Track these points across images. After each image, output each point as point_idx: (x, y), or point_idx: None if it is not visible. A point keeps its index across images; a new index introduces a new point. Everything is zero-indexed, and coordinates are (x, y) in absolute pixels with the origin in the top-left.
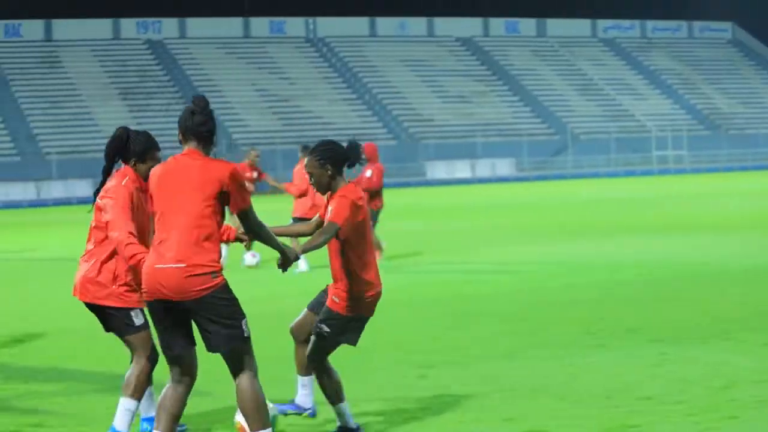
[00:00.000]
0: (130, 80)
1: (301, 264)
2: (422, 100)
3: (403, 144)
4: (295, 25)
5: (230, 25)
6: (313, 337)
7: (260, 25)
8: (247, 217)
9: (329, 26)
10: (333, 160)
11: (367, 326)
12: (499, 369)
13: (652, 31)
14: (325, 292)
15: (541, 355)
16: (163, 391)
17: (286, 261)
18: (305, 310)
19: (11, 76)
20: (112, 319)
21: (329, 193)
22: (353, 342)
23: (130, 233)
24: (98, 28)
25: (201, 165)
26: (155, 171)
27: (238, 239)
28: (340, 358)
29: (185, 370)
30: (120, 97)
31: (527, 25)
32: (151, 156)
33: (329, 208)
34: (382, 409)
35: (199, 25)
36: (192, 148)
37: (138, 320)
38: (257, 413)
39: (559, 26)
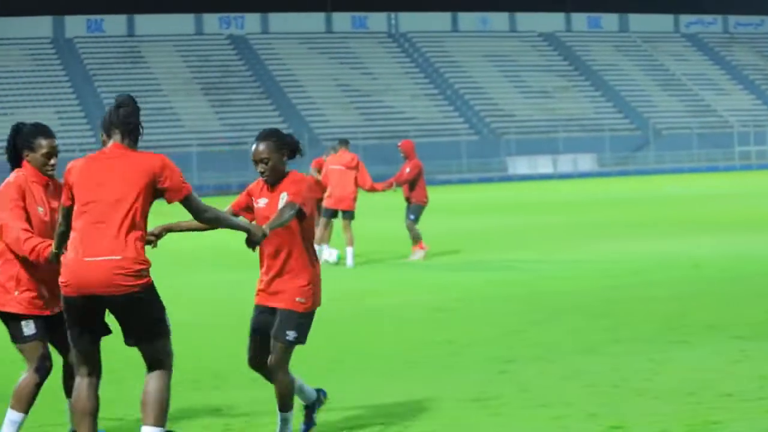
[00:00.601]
0: (213, 76)
1: (326, 253)
2: (504, 95)
3: (485, 139)
4: (377, 20)
5: (312, 21)
6: (279, 346)
7: (342, 20)
8: (190, 204)
9: (411, 21)
10: (289, 147)
11: (448, 321)
12: (581, 364)
13: (735, 26)
14: (260, 311)
15: (622, 351)
16: (74, 395)
17: (253, 237)
18: (252, 339)
19: (94, 71)
20: (6, 324)
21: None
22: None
23: (25, 230)
24: (181, 23)
25: (130, 157)
26: (75, 164)
27: (147, 242)
28: (423, 352)
29: (94, 366)
30: (202, 92)
31: (609, 20)
32: (38, 144)
33: (283, 194)
34: (463, 404)
35: (281, 21)
36: (117, 142)
37: (28, 330)
38: (154, 410)
39: (641, 21)
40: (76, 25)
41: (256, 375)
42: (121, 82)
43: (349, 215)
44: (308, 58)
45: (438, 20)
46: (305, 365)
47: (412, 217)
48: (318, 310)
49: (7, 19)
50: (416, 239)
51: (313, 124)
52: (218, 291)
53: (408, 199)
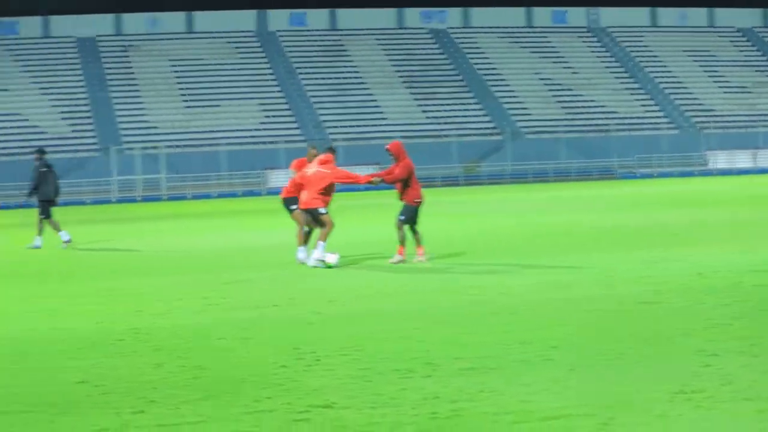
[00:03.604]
0: (415, 69)
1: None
2: (704, 90)
3: (686, 133)
4: (576, 14)
5: (513, 15)
6: None
7: (542, 14)
8: None
9: (611, 16)
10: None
11: (650, 314)
12: None
13: None
14: None
15: None
16: None
17: None
18: None
19: (298, 64)
20: None
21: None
22: None
23: None
24: (383, 17)
25: None
26: None
27: None
28: (626, 344)
29: None
30: (404, 85)
31: None
32: None
33: None
34: (667, 397)
35: (482, 15)
36: None
37: None
38: None
39: None
40: (279, 18)
41: (469, 364)
42: (324, 76)
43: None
44: (509, 52)
45: (637, 15)
46: (511, 357)
47: (402, 217)
48: (525, 301)
49: (212, 13)
50: (402, 241)
51: (516, 117)
52: (429, 281)
53: (400, 199)
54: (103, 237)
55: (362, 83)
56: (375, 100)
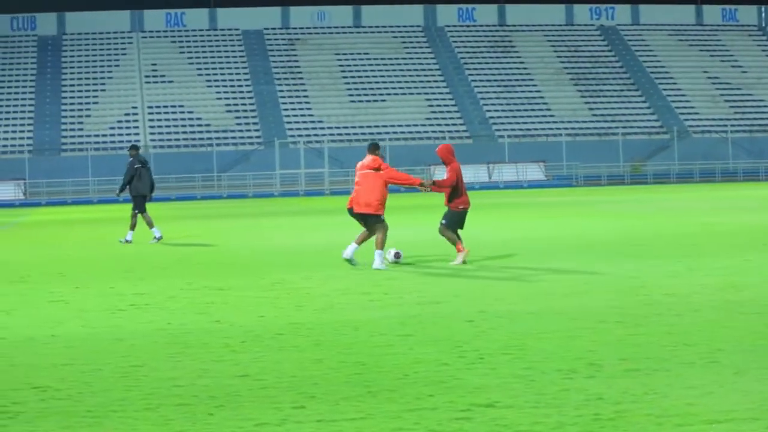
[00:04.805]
0: (582, 66)
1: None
2: None
3: None
4: (747, 13)
5: (682, 13)
6: None
7: (712, 12)
8: None
9: None
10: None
11: None
12: None
13: None
14: None
15: None
16: None
17: None
18: None
19: (465, 60)
20: None
21: None
22: None
23: None
24: (551, 13)
25: None
26: None
27: None
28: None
29: None
30: (572, 82)
31: None
32: None
33: None
34: None
35: (651, 12)
36: None
37: None
38: None
39: None
40: (447, 13)
41: (633, 365)
42: (492, 71)
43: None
44: (678, 50)
45: None
46: (676, 359)
47: (444, 221)
48: (690, 303)
49: (380, 7)
50: (454, 242)
51: (683, 116)
52: (598, 282)
53: (447, 204)
54: (265, 229)
55: (530, 79)
56: (542, 97)
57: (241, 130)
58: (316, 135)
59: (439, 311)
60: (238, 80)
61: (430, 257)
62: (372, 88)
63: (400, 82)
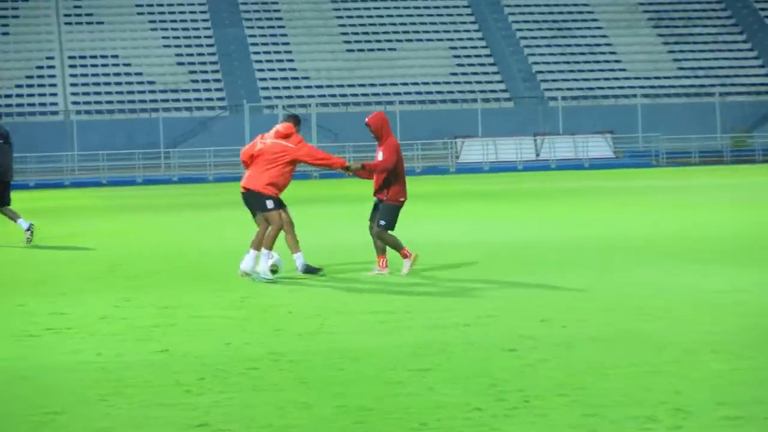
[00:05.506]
0: (666, 2)
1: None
2: None
3: None
4: None
5: None
6: None
7: None
8: None
9: None
10: None
11: None
12: None
13: None
14: None
15: None
16: None
17: None
18: None
19: None
20: None
21: None
22: None
23: None
24: None
25: None
26: None
27: None
28: None
29: None
30: (650, 23)
31: None
32: None
33: None
34: None
35: None
36: None
37: None
38: None
39: None
40: None
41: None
42: (540, 10)
43: None
44: None
45: None
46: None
47: (382, 222)
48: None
49: None
50: (395, 247)
51: None
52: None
53: (377, 195)
54: (230, 225)
55: (593, 20)
56: (609, 44)
57: (197, 90)
58: (300, 96)
59: (469, 336)
60: (194, 22)
61: (427, 266)
62: (376, 32)
63: (414, 24)
